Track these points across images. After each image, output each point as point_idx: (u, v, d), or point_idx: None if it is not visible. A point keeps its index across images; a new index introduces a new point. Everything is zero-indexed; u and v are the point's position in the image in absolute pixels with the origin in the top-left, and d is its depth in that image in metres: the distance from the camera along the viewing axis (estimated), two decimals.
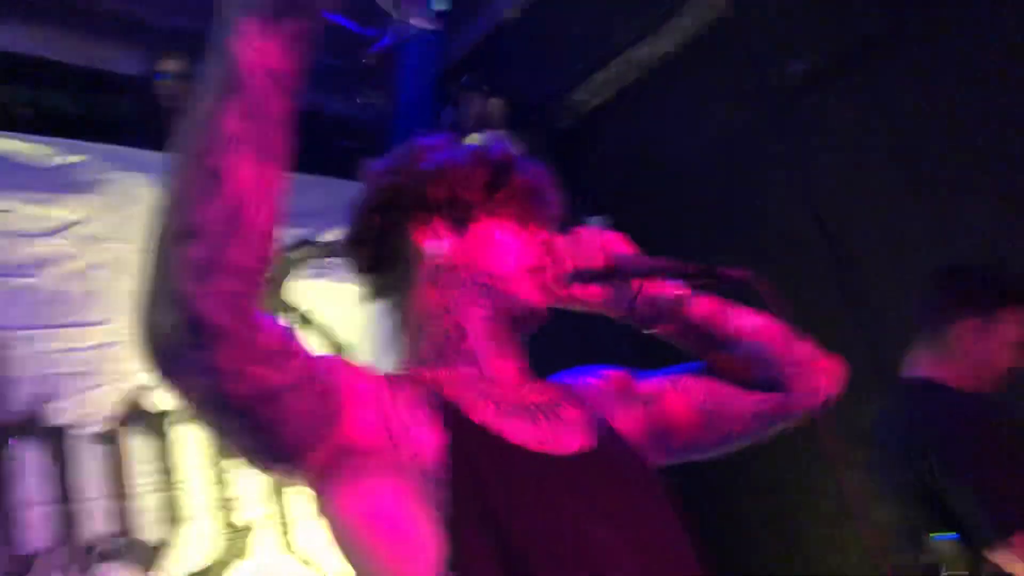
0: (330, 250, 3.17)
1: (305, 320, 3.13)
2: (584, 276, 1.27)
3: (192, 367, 0.84)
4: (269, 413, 0.93)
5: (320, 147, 3.58)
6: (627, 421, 1.30)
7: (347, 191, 1.33)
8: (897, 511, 2.14)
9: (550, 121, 3.80)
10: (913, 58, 2.88)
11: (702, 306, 1.34)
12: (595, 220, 3.68)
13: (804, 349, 1.35)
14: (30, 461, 2.42)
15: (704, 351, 1.37)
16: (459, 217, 1.24)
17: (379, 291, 1.30)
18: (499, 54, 3.44)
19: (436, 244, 1.23)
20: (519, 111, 3.60)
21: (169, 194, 0.81)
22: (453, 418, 1.10)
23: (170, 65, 3.17)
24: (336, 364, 1.08)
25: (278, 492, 2.85)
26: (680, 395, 1.34)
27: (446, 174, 1.24)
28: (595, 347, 1.69)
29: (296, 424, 0.97)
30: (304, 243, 3.21)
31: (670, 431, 1.32)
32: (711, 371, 1.36)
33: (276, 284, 3.11)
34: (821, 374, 1.35)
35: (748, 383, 1.34)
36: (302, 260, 3.20)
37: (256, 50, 0.78)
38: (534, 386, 1.25)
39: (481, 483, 1.04)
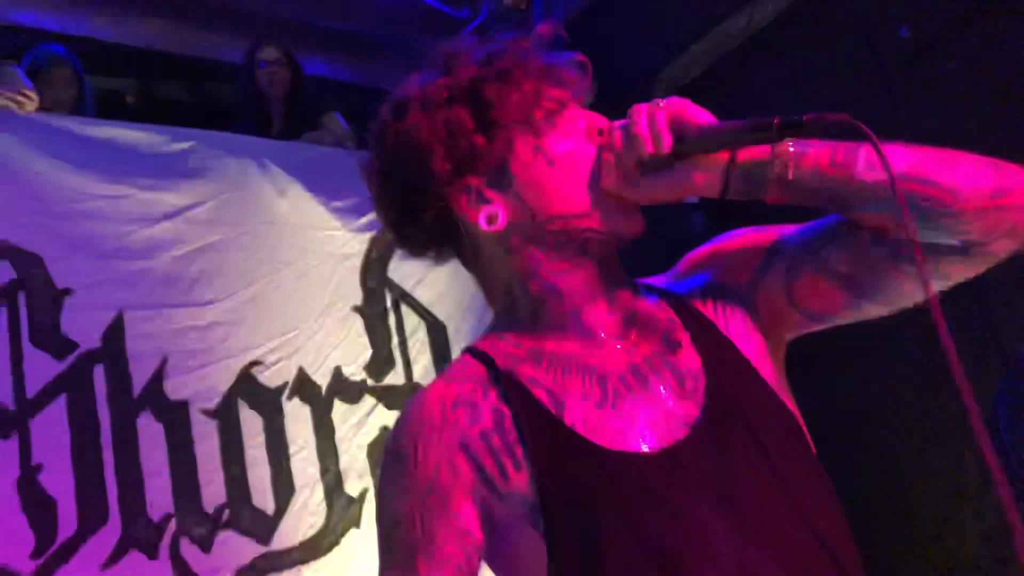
0: None
1: (405, 298, 3.19)
2: (654, 165, 1.02)
3: None
4: None
5: None
6: (763, 305, 1.11)
7: None
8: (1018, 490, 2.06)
9: (645, 96, 3.73)
10: None
11: (816, 158, 0.99)
12: None
13: (969, 173, 0.97)
14: (155, 434, 2.55)
15: (837, 211, 1.04)
16: (491, 168, 1.06)
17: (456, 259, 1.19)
18: (592, 29, 3.41)
19: (487, 211, 1.06)
20: (613, 86, 3.56)
21: None
22: (548, 428, 1.02)
23: (271, 53, 3.26)
24: (445, 519, 1.03)
25: None
26: (820, 265, 1.06)
27: (437, 139, 1.04)
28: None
29: None
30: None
31: (813, 305, 1.08)
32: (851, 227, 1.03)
33: (382, 264, 3.17)
34: (1006, 209, 0.97)
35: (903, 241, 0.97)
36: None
37: None
38: (642, 329, 1.09)
39: (576, 502, 0.99)
